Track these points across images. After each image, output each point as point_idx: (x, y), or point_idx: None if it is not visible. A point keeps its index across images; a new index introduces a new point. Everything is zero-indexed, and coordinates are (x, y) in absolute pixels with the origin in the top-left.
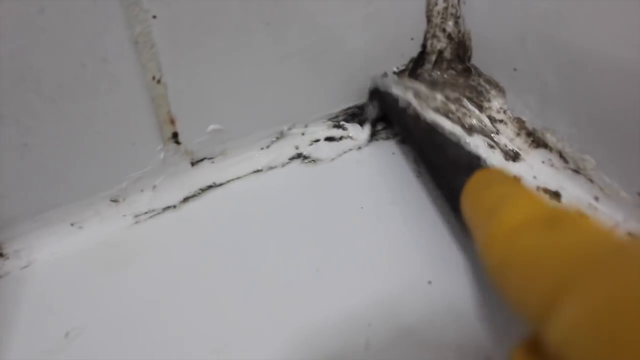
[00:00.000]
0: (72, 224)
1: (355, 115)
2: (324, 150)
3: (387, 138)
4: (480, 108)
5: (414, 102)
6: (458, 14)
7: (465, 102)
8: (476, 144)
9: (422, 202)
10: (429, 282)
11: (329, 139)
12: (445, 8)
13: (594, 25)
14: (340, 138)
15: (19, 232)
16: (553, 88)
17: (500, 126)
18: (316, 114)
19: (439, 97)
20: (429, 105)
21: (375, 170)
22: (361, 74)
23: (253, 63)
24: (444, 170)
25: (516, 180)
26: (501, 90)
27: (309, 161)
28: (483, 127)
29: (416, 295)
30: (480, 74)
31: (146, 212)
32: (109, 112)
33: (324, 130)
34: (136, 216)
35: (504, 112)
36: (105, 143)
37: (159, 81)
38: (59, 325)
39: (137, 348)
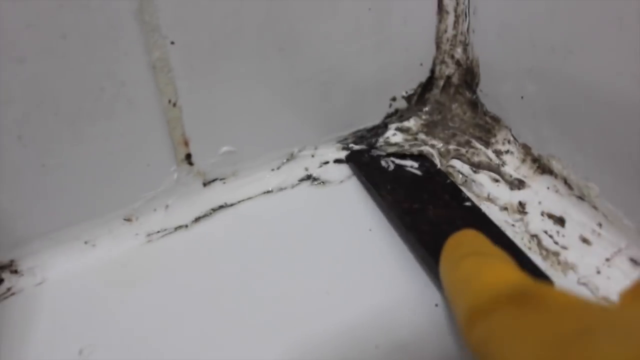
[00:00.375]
0: (85, 242)
1: (364, 137)
2: (333, 172)
3: None
4: (487, 144)
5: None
6: (467, 42)
7: (474, 142)
8: (481, 182)
9: None
10: (436, 305)
11: (338, 161)
12: (455, 35)
13: (600, 59)
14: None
15: (34, 249)
16: (559, 116)
17: (506, 157)
18: (326, 136)
19: (452, 147)
20: (447, 159)
21: None
22: (371, 98)
23: (266, 87)
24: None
25: (484, 245)
26: (505, 124)
27: (318, 183)
28: (489, 161)
29: (424, 317)
30: (486, 112)
31: (158, 232)
32: (125, 134)
33: (334, 152)
34: (148, 235)
35: (509, 142)
36: (120, 164)
37: (174, 104)
38: (72, 341)
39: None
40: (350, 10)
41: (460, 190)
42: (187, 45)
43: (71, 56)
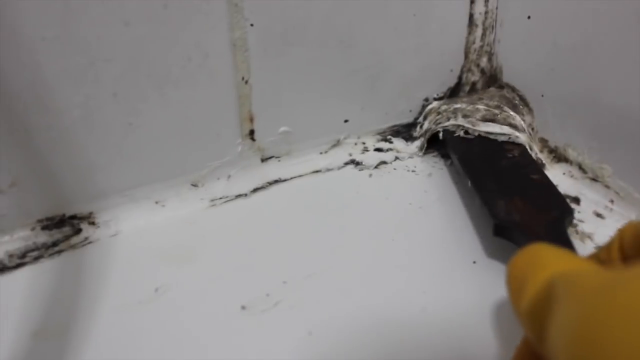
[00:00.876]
0: (156, 202)
1: (399, 132)
2: (373, 158)
3: (431, 153)
4: (519, 114)
5: (462, 122)
6: (492, 51)
7: (505, 107)
8: (522, 141)
9: (456, 205)
10: (474, 262)
11: (378, 149)
12: (481, 46)
13: (617, 54)
14: (388, 150)
15: (110, 204)
16: (578, 109)
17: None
18: (368, 127)
19: (481, 107)
20: (475, 117)
21: (418, 179)
22: (407, 96)
23: (323, 75)
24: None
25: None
26: (531, 110)
27: (360, 167)
28: (525, 127)
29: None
30: (514, 89)
31: (221, 198)
32: (202, 103)
33: (374, 142)
34: (212, 200)
35: (532, 129)
36: (195, 131)
37: (246, 82)
38: (148, 282)
39: (213, 300)
40: (399, 13)
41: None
42: (264, 28)
43: (169, 24)
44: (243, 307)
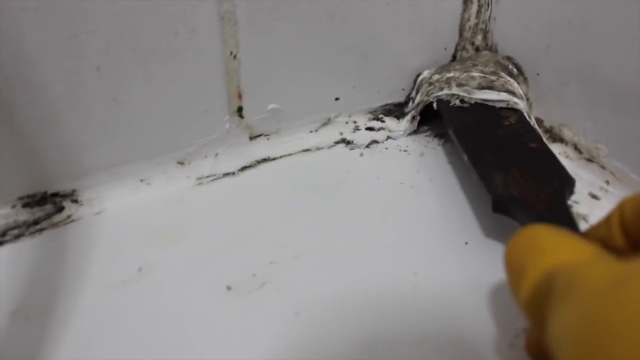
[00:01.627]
0: (141, 180)
1: (391, 111)
2: (365, 137)
3: (424, 132)
4: (516, 81)
5: (457, 91)
6: (487, 29)
7: (502, 73)
8: (520, 108)
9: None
10: (466, 242)
11: (369, 128)
12: (477, 24)
13: (614, 30)
14: (379, 129)
15: (94, 182)
16: (573, 87)
17: None
18: (359, 106)
19: (477, 74)
20: (470, 85)
21: (410, 158)
22: (400, 75)
23: (314, 51)
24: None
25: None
26: (526, 79)
27: (351, 146)
28: (522, 95)
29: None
30: (509, 58)
31: (208, 176)
32: (189, 79)
33: (365, 121)
34: (199, 179)
35: (527, 99)
36: (181, 107)
37: (235, 57)
38: (131, 261)
39: (198, 280)
40: None
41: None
42: (253, 1)
43: None
44: (229, 288)
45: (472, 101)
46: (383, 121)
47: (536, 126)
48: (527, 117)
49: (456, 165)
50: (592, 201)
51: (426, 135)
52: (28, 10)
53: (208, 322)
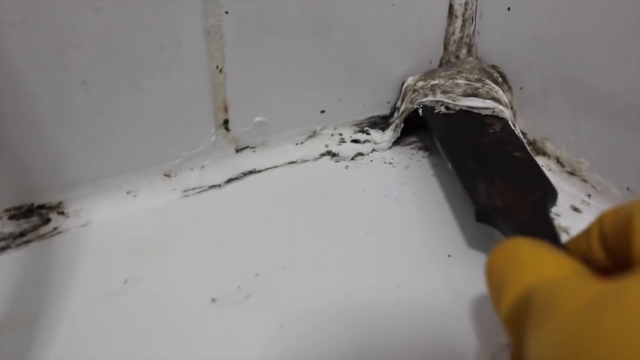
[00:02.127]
0: (127, 192)
1: (376, 123)
2: (350, 150)
3: (409, 145)
4: (501, 88)
5: (442, 97)
6: (471, 43)
7: (487, 81)
8: (505, 116)
9: (435, 196)
10: (449, 255)
11: (355, 141)
12: (461, 38)
13: (596, 46)
14: (365, 141)
15: (80, 194)
16: (555, 101)
17: None
18: (345, 119)
19: (462, 81)
20: (455, 93)
21: (394, 171)
22: (385, 88)
23: (300, 65)
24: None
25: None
26: (510, 88)
27: (337, 158)
28: (507, 103)
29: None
30: (494, 66)
31: (194, 188)
32: (176, 92)
33: (351, 133)
34: (185, 191)
35: (511, 107)
36: (167, 120)
37: (221, 70)
38: (117, 273)
39: (183, 292)
40: (377, 3)
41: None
42: (239, 16)
43: (141, 12)
44: (213, 300)
45: (457, 108)
46: (368, 133)
47: (520, 135)
48: (511, 125)
49: (440, 178)
50: (574, 214)
51: (411, 148)
52: (15, 24)
53: (193, 334)
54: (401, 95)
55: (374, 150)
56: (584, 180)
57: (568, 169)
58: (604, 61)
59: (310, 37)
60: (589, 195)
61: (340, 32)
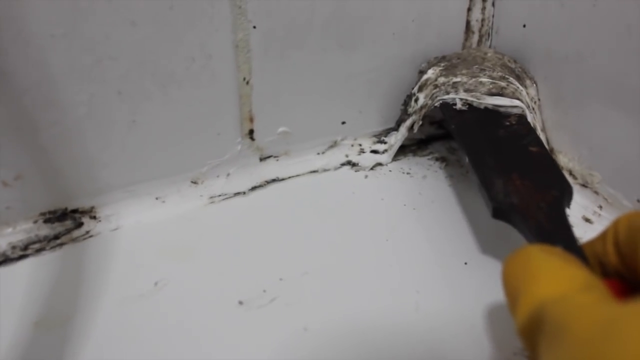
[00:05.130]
0: (156, 198)
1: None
2: (369, 160)
3: (426, 156)
4: (523, 86)
5: (465, 95)
6: None
7: (511, 79)
8: (527, 114)
9: (448, 203)
10: (465, 262)
11: (374, 151)
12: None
13: (610, 64)
14: (384, 151)
15: (112, 200)
16: (568, 118)
17: None
18: (364, 130)
19: (485, 79)
20: (480, 92)
21: (412, 180)
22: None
23: (323, 78)
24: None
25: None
26: (534, 82)
27: (356, 168)
28: (528, 102)
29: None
30: (516, 60)
31: (220, 195)
32: (205, 102)
33: (370, 144)
34: (211, 197)
35: (535, 102)
36: (196, 129)
37: (247, 82)
38: (148, 276)
39: (211, 295)
40: (398, 19)
41: None
42: (266, 31)
43: (174, 25)
44: (240, 303)
45: (482, 106)
46: (385, 143)
47: (537, 128)
48: (527, 118)
49: (456, 188)
50: (586, 224)
51: (428, 159)
52: (56, 37)
53: (220, 335)
54: (418, 84)
55: (385, 150)
56: (596, 192)
57: (580, 181)
58: (616, 77)
59: (334, 52)
60: (600, 207)
61: (362, 47)
